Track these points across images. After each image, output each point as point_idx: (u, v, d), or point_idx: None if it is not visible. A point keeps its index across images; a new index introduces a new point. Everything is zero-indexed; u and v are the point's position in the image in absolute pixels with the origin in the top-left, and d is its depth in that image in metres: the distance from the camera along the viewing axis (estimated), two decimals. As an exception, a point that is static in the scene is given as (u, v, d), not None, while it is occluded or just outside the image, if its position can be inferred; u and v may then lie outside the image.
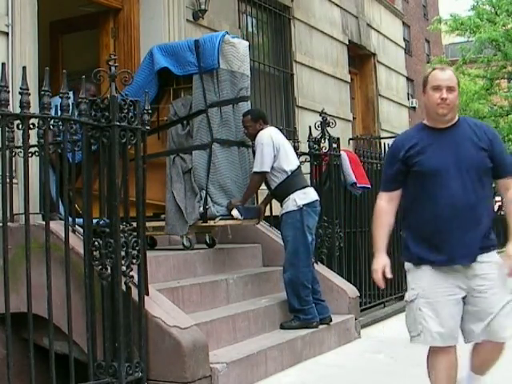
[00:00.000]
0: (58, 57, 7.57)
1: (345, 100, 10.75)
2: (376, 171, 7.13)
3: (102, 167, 3.71)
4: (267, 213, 6.00)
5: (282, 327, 5.05)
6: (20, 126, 3.37)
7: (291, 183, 5.14)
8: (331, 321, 5.31)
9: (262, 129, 5.26)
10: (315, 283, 5.28)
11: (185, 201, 5.39)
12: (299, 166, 5.32)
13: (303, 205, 5.07)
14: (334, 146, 6.27)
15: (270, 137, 5.17)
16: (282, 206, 5.22)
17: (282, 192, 5.18)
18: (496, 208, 28.29)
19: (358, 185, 6.41)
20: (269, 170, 5.16)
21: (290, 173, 5.14)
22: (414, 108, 25.60)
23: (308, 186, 5.28)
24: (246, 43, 5.75)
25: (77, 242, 3.83)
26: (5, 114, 3.26)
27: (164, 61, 5.53)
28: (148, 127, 3.94)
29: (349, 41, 11.01)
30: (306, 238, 5.08)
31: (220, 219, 5.33)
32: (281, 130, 5.60)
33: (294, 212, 5.08)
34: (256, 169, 5.21)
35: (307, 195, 5.15)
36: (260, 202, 5.81)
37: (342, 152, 6.40)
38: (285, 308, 5.17)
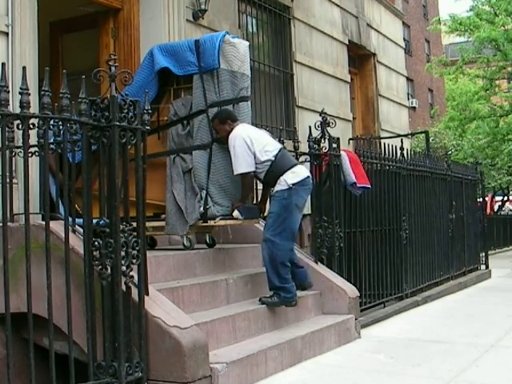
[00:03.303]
0: (58, 57, 7.57)
1: (345, 100, 10.75)
2: (376, 171, 7.13)
3: (102, 167, 3.71)
4: (267, 212, 6.01)
5: (262, 302, 5.00)
6: (20, 126, 3.37)
7: (278, 167, 5.11)
8: (311, 286, 5.37)
9: (232, 129, 5.21)
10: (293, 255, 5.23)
11: (185, 201, 5.39)
12: (281, 148, 5.26)
13: (293, 184, 5.05)
14: (334, 145, 6.27)
15: (240, 137, 5.11)
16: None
17: (272, 177, 5.14)
18: (496, 208, 28.35)
19: (358, 185, 6.40)
20: (249, 170, 5.11)
21: (273, 159, 5.12)
22: (414, 108, 25.66)
23: (296, 165, 5.23)
24: (247, 43, 5.75)
25: (77, 242, 3.83)
26: (5, 114, 3.26)
27: (164, 61, 5.54)
28: (148, 127, 3.93)
29: (349, 41, 11.01)
30: (292, 216, 5.05)
31: (220, 219, 5.34)
32: (281, 130, 5.59)
33: (282, 191, 5.06)
34: (235, 172, 5.17)
35: (296, 174, 5.12)
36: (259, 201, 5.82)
37: (341, 152, 6.40)
38: (285, 307, 5.17)
